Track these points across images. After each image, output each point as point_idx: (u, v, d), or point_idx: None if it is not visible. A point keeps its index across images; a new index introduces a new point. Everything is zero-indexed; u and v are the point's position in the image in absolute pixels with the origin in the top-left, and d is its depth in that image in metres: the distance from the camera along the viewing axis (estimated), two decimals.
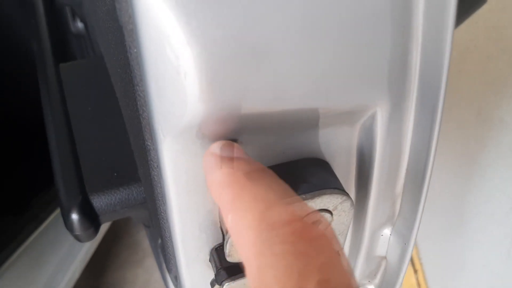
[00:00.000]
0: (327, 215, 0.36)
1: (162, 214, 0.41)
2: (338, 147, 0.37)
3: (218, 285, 0.39)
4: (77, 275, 1.33)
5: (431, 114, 0.33)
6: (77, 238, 0.61)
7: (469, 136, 1.46)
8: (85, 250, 1.40)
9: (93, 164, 0.64)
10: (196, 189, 0.36)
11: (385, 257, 0.48)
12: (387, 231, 0.45)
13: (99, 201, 0.61)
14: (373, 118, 0.35)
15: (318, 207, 0.35)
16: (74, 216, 0.57)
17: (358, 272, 0.49)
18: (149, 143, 0.35)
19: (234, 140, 0.33)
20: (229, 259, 0.36)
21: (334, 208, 0.36)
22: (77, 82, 0.77)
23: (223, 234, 0.40)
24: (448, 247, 1.52)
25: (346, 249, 0.47)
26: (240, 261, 0.36)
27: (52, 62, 0.84)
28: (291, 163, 0.37)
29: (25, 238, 1.20)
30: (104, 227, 1.49)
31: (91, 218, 0.59)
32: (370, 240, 0.45)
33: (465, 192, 1.45)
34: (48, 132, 0.68)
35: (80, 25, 1.11)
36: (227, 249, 0.35)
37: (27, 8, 1.04)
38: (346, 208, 0.36)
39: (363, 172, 0.39)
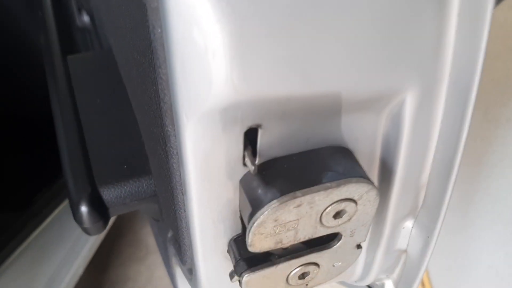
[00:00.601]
0: (351, 204, 0.35)
1: (179, 204, 0.40)
2: (362, 135, 0.36)
3: (238, 276, 0.38)
4: (80, 271, 1.31)
5: (463, 101, 0.32)
6: (86, 231, 0.59)
7: (475, 136, 1.45)
8: (89, 246, 1.38)
9: (102, 156, 0.63)
10: (216, 177, 0.35)
11: (405, 251, 0.47)
12: (409, 224, 0.44)
13: (108, 194, 0.60)
14: (401, 105, 0.34)
15: (343, 196, 0.34)
16: (84, 209, 0.56)
17: (376, 266, 0.48)
18: (169, 129, 0.34)
19: (259, 125, 0.32)
20: (251, 249, 0.35)
21: (360, 198, 0.35)
22: (84, 74, 0.76)
23: (243, 224, 0.39)
24: (453, 247, 1.51)
25: (366, 241, 0.46)
26: (263, 250, 0.35)
27: (60, 54, 0.83)
28: (314, 151, 0.36)
29: (28, 235, 1.19)
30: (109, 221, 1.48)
31: (101, 211, 0.58)
32: (391, 232, 0.44)
33: (470, 192, 1.44)
34: (56, 124, 0.67)
35: (86, 18, 1.10)
36: (249, 238, 0.34)
37: (34, 0, 1.03)
38: (372, 197, 0.35)
39: (387, 161, 0.38)
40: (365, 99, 0.33)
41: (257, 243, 0.34)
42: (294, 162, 0.35)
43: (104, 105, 0.71)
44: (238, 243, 0.40)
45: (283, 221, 0.33)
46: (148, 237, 1.70)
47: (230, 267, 0.42)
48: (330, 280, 0.43)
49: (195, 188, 0.35)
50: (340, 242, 0.38)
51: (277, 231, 0.34)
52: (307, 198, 0.33)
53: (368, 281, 0.52)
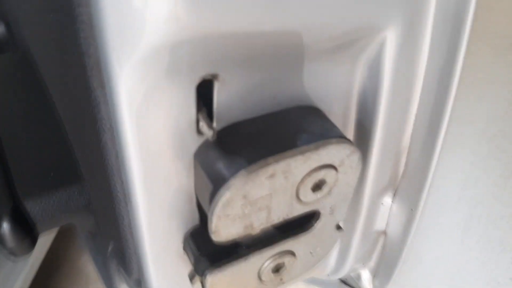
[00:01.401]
0: (331, 172, 0.29)
1: (119, 196, 0.32)
2: (336, 90, 0.30)
3: (199, 275, 0.31)
4: None
5: (454, 33, 0.27)
6: (12, 252, 0.50)
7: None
8: (22, 280, 1.24)
9: (24, 166, 0.54)
10: (163, 152, 0.27)
11: (383, 232, 0.41)
12: (388, 199, 0.38)
13: (34, 207, 0.51)
14: (380, 47, 0.28)
15: (322, 162, 0.28)
16: (5, 226, 0.47)
17: (352, 253, 0.42)
18: (98, 92, 0.26)
19: (215, 76, 0.25)
20: (215, 237, 0.28)
21: (341, 163, 0.29)
22: None
23: (201, 211, 0.32)
24: None
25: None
26: (229, 239, 0.28)
27: None
28: (282, 113, 0.29)
29: None
30: (41, 254, 1.34)
31: (26, 227, 0.49)
32: (368, 210, 0.38)
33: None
34: None
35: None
36: (213, 224, 0.27)
37: None
38: (354, 162, 0.29)
39: (364, 121, 0.32)
40: (339, 38, 0.27)
41: (222, 229, 0.27)
42: (260, 125, 0.28)
43: (22, 111, 0.61)
44: (196, 236, 0.32)
45: (253, 198, 0.27)
46: (87, 265, 1.57)
47: (187, 267, 0.35)
48: (306, 273, 0.37)
49: (137, 171, 0.28)
50: (319, 222, 0.32)
51: (246, 211, 0.27)
52: (281, 165, 0.26)
53: (342, 273, 0.46)
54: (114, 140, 0.28)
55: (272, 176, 0.27)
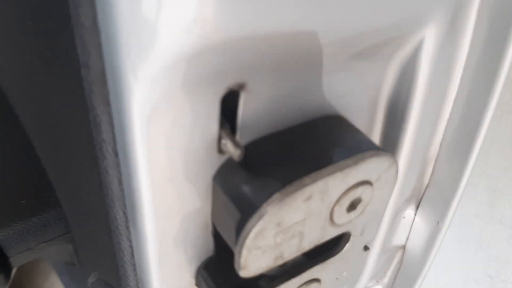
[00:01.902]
0: (368, 189, 0.25)
1: (119, 228, 0.28)
2: (364, 96, 0.27)
3: None
4: None
5: (501, 37, 0.24)
6: None
7: None
8: None
9: None
10: (179, 175, 0.23)
11: (402, 247, 0.38)
12: (410, 212, 0.35)
13: (7, 239, 0.46)
14: (417, 48, 0.25)
15: (360, 178, 0.24)
16: None
17: (368, 270, 0.39)
18: (99, 111, 0.22)
19: (242, 86, 0.21)
20: (244, 273, 0.24)
21: (378, 178, 0.25)
22: None
23: (216, 241, 0.28)
24: None
25: None
26: (258, 273, 0.24)
27: None
28: (307, 124, 0.26)
29: None
30: None
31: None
32: (390, 223, 0.35)
33: None
34: None
35: None
36: (242, 258, 0.23)
37: None
38: (391, 176, 0.26)
39: (391, 128, 0.29)
40: (373, 37, 0.24)
41: (252, 263, 0.23)
42: (287, 140, 0.25)
43: None
44: (211, 270, 0.28)
45: (287, 224, 0.23)
46: None
47: None
48: None
49: (147, 199, 0.24)
50: (348, 244, 0.29)
51: (278, 240, 0.24)
52: (319, 185, 0.23)
53: None
54: (117, 166, 0.24)
55: (308, 198, 0.23)
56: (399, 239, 0.37)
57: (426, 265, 0.37)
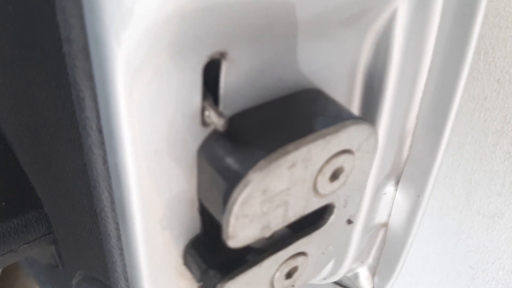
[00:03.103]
0: (349, 158, 0.26)
1: (105, 211, 0.28)
2: (341, 68, 0.28)
3: None
4: None
5: (469, 8, 0.25)
6: None
7: None
8: None
9: None
10: (164, 148, 0.24)
11: (385, 225, 0.39)
12: (390, 188, 0.36)
13: None
14: (390, 21, 0.26)
15: (341, 146, 0.25)
16: None
17: (351, 251, 0.40)
18: (82, 86, 0.22)
19: (223, 55, 0.22)
20: (232, 242, 0.24)
21: (358, 148, 0.26)
22: None
23: (203, 217, 0.28)
24: None
25: None
26: (246, 243, 0.25)
27: None
28: (288, 98, 0.27)
29: None
30: None
31: None
32: (371, 201, 0.36)
33: None
34: None
35: None
36: (230, 227, 0.23)
37: None
38: (371, 145, 0.27)
39: (369, 100, 0.30)
40: (349, 7, 0.24)
41: (240, 232, 0.24)
42: (269, 112, 0.25)
43: None
44: (200, 248, 0.29)
45: (273, 192, 0.24)
46: None
47: (189, 284, 0.31)
48: (316, 276, 0.34)
49: (133, 176, 0.24)
50: (332, 216, 0.29)
51: (265, 209, 0.24)
52: (302, 152, 0.23)
53: (340, 274, 0.43)
54: (102, 143, 0.24)
55: (292, 165, 0.23)
56: (381, 216, 0.38)
57: (409, 240, 0.38)
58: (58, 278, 0.59)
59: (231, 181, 0.23)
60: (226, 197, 0.23)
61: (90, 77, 0.22)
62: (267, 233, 0.26)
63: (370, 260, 0.43)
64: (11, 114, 0.41)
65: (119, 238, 0.29)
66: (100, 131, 0.24)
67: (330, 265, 0.42)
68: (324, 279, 0.44)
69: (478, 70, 0.62)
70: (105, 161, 0.25)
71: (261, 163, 0.22)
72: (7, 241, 0.49)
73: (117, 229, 0.29)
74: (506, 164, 0.70)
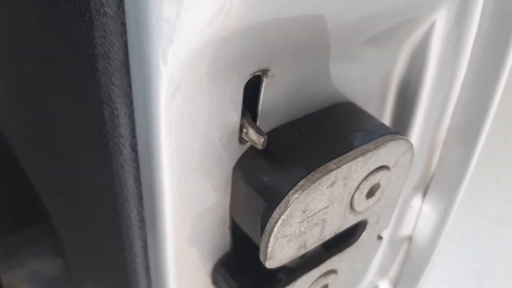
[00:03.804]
0: (386, 174, 0.25)
1: (132, 229, 0.27)
2: (375, 81, 0.27)
3: None
4: None
5: (509, 17, 0.25)
6: None
7: None
8: None
9: None
10: (201, 166, 0.23)
11: (409, 237, 0.38)
12: (417, 201, 0.35)
13: None
14: (427, 33, 0.26)
15: (380, 162, 0.24)
16: None
17: (374, 264, 0.39)
18: (117, 104, 0.21)
19: (265, 72, 0.21)
20: (270, 263, 0.23)
21: (395, 163, 0.25)
22: None
23: (234, 235, 0.27)
24: None
25: None
26: (282, 263, 0.24)
27: None
28: (324, 111, 0.26)
29: None
30: None
31: None
32: (397, 214, 0.35)
33: None
34: None
35: None
36: (269, 248, 0.22)
37: None
38: (407, 161, 0.26)
39: (401, 112, 0.29)
40: (388, 20, 0.24)
41: (278, 252, 0.23)
42: (305, 128, 0.25)
43: None
44: (230, 266, 0.28)
45: (312, 212, 0.23)
46: None
47: None
48: None
49: (168, 193, 0.23)
50: (364, 232, 0.29)
51: (303, 228, 0.23)
52: (343, 170, 0.23)
53: (361, 287, 0.42)
54: (134, 161, 0.23)
55: (333, 184, 0.23)
56: (406, 229, 0.37)
57: (433, 253, 0.37)
58: None
59: (270, 201, 0.22)
60: (265, 217, 0.22)
61: (127, 94, 0.21)
62: (303, 252, 0.25)
63: (391, 273, 0.42)
64: (26, 127, 0.40)
65: (145, 256, 0.28)
66: (133, 149, 0.23)
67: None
68: None
69: None
70: (136, 180, 0.24)
71: (303, 181, 0.22)
72: (16, 254, 0.48)
73: (144, 247, 0.28)
74: None
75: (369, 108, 0.27)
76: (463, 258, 0.85)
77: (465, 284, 0.88)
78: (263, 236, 0.22)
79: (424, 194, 0.35)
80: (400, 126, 0.29)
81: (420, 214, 0.35)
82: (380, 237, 0.31)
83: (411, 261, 0.39)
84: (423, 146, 0.31)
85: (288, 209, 0.22)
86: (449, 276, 0.90)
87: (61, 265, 0.53)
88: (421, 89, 0.28)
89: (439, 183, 0.33)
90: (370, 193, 0.26)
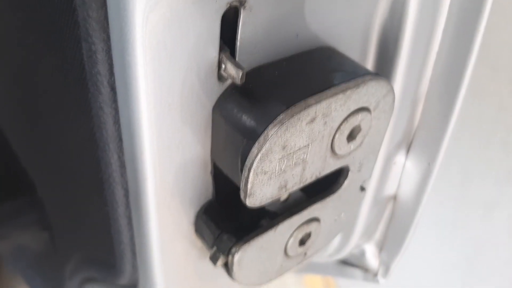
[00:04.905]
0: (367, 117, 0.25)
1: (113, 176, 0.27)
2: (356, 27, 0.27)
3: (225, 255, 0.26)
4: None
5: None
6: None
7: None
8: None
9: None
10: (179, 104, 0.23)
11: (393, 197, 0.38)
12: (401, 158, 0.35)
13: None
14: None
15: (360, 103, 0.24)
16: None
17: (360, 225, 0.39)
18: (94, 38, 0.21)
19: (242, 2, 0.21)
20: (250, 201, 0.23)
21: (376, 106, 0.26)
22: None
23: (216, 181, 0.27)
24: None
25: None
26: (263, 203, 0.24)
27: None
28: (305, 54, 0.26)
29: None
30: None
31: None
32: (381, 172, 0.35)
33: None
34: None
35: None
36: (249, 184, 0.22)
37: None
38: (388, 105, 0.26)
39: (383, 61, 0.29)
40: None
41: (258, 189, 0.23)
42: (286, 68, 0.25)
43: None
44: (212, 213, 0.28)
45: (292, 149, 0.23)
46: None
47: (199, 254, 0.30)
48: (327, 244, 0.33)
49: (147, 134, 0.23)
50: (347, 180, 0.29)
51: (283, 166, 0.23)
52: (323, 105, 0.23)
53: (346, 251, 0.43)
54: (113, 101, 0.23)
55: (312, 120, 0.23)
56: (390, 187, 0.37)
57: (417, 211, 0.37)
58: (48, 269, 0.57)
59: (250, 136, 0.22)
60: (245, 153, 0.22)
61: (104, 28, 0.21)
62: (284, 194, 0.25)
63: (377, 235, 0.42)
64: (4, 92, 0.40)
65: (127, 205, 0.28)
66: (112, 88, 0.23)
67: (337, 241, 0.42)
68: (329, 256, 0.44)
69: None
70: (115, 121, 0.24)
71: (281, 116, 0.22)
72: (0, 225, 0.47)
73: (126, 195, 0.28)
74: (501, 152, 0.69)
75: (351, 54, 0.27)
76: (454, 243, 0.85)
77: (456, 269, 0.88)
78: (243, 172, 0.22)
79: (408, 150, 0.35)
80: (382, 75, 0.29)
81: (404, 171, 0.35)
82: (363, 188, 0.31)
83: (396, 222, 0.39)
84: (406, 98, 0.31)
85: (267, 143, 0.22)
86: (440, 261, 0.90)
87: (47, 239, 0.52)
88: (402, 36, 0.28)
89: (422, 138, 0.33)
90: (351, 136, 0.26)
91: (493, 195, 0.75)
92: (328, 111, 0.23)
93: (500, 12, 0.55)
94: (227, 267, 0.27)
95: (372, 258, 0.43)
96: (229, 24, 0.22)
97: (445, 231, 0.86)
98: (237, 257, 0.26)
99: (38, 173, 0.44)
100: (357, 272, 0.45)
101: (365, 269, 0.44)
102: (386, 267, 0.42)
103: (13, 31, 0.31)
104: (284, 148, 0.22)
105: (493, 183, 0.74)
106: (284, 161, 0.23)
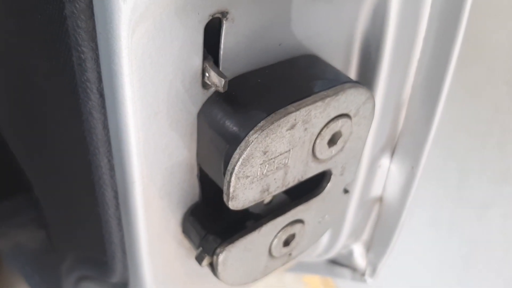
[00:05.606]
0: (347, 123, 0.26)
1: (103, 178, 0.28)
2: (338, 35, 0.28)
3: (210, 255, 0.27)
4: None
5: None
6: None
7: None
8: None
9: None
10: (165, 110, 0.24)
11: (379, 199, 0.39)
12: (385, 161, 0.36)
13: None
14: None
15: (340, 110, 0.25)
16: None
17: (347, 226, 0.40)
18: (84, 48, 0.22)
19: (224, 14, 0.22)
20: (233, 204, 0.24)
21: (356, 113, 0.26)
22: None
23: (202, 184, 0.28)
24: None
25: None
26: (246, 206, 0.25)
27: None
28: (288, 62, 0.27)
29: None
30: None
31: None
32: (366, 175, 0.36)
33: None
34: None
35: None
36: (231, 188, 0.23)
37: None
38: (368, 111, 0.27)
39: (366, 68, 0.30)
40: None
41: (241, 192, 0.24)
42: (268, 76, 0.26)
43: None
44: (199, 215, 0.29)
45: (273, 154, 0.24)
46: None
47: (187, 254, 0.31)
48: (312, 246, 0.34)
49: (134, 138, 0.24)
50: (329, 183, 0.30)
51: (264, 171, 0.24)
52: (302, 113, 0.24)
53: (334, 251, 0.44)
54: (102, 107, 0.24)
55: (292, 127, 0.24)
56: (376, 190, 0.38)
57: (403, 213, 0.38)
58: (45, 267, 0.58)
59: (232, 142, 0.23)
60: (228, 157, 0.23)
61: (93, 37, 0.22)
62: (267, 197, 0.26)
63: (364, 235, 0.43)
64: (3, 96, 0.41)
65: (117, 207, 0.29)
66: (100, 94, 0.24)
67: (325, 241, 0.43)
68: (319, 256, 0.45)
69: (468, 56, 0.63)
70: (105, 126, 0.25)
71: (262, 123, 0.23)
72: None
73: (116, 197, 0.29)
74: (497, 152, 0.70)
75: (334, 62, 0.28)
76: (450, 243, 0.86)
77: (452, 269, 0.88)
78: (226, 176, 0.23)
79: (392, 154, 0.36)
80: (365, 83, 0.30)
81: (389, 174, 0.36)
82: (346, 191, 0.32)
83: (382, 222, 0.40)
84: (389, 104, 0.32)
85: (248, 148, 0.23)
86: (436, 260, 0.90)
87: (44, 237, 0.53)
88: (383, 44, 0.29)
89: (406, 142, 0.34)
90: (332, 141, 0.27)
91: (488, 195, 0.75)
92: (308, 118, 0.24)
93: (496, 14, 0.56)
94: (212, 267, 0.28)
95: (359, 258, 0.44)
96: (213, 33, 0.23)
97: (441, 230, 0.86)
98: (221, 257, 0.27)
99: (35, 174, 0.45)
100: (346, 271, 0.46)
101: (353, 268, 0.45)
102: (373, 267, 0.43)
103: (12, 36, 0.31)
104: (265, 153, 0.23)
105: (488, 183, 0.75)
106: (265, 165, 0.24)
